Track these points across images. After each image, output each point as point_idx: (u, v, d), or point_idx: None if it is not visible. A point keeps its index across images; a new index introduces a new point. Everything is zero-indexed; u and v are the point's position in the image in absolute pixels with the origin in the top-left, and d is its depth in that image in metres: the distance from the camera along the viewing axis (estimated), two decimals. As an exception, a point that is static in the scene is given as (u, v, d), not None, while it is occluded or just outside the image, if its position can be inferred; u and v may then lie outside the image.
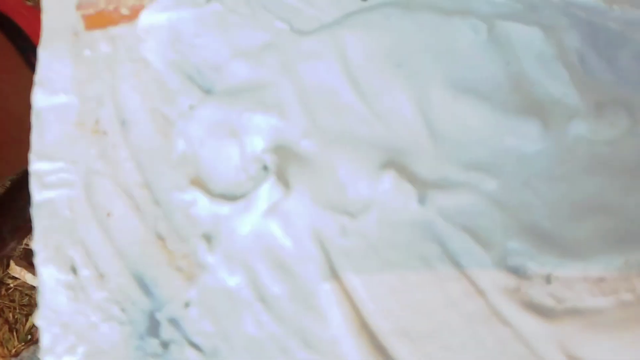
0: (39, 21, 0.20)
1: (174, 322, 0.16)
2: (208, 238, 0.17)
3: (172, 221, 0.17)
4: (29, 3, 0.29)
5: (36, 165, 0.18)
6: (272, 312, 0.16)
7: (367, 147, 0.18)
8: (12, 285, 0.68)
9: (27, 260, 0.68)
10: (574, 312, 0.17)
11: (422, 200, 0.17)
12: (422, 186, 0.17)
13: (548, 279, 0.17)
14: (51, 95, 0.19)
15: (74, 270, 0.16)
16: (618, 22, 0.21)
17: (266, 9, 0.20)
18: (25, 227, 0.40)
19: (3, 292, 0.66)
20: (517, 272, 0.17)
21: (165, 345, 0.16)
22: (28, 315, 0.67)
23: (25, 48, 0.28)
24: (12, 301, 0.68)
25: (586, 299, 0.17)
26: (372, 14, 0.20)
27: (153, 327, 0.16)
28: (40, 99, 0.19)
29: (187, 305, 0.16)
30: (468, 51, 0.19)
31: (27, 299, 0.69)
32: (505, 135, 0.18)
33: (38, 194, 0.17)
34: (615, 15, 0.21)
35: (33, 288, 0.69)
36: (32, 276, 0.68)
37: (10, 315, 0.67)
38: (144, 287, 0.16)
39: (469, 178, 0.18)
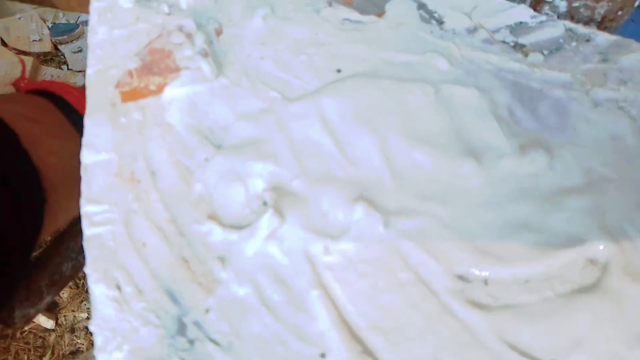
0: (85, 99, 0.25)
1: (197, 324, 0.20)
2: (222, 259, 0.21)
3: (194, 248, 0.22)
4: (77, 85, 0.35)
5: (86, 208, 0.22)
6: (273, 315, 0.20)
7: (343, 184, 0.23)
8: (26, 328, 0.70)
9: (40, 305, 0.70)
10: (507, 307, 0.21)
11: (386, 224, 0.22)
12: (386, 214, 0.22)
13: (486, 282, 0.21)
14: (96, 153, 0.24)
15: (118, 287, 0.21)
16: (538, 81, 0.27)
17: (263, 82, 0.26)
18: (60, 282, 0.44)
19: (18, 335, 0.69)
20: (462, 277, 0.21)
21: (191, 342, 0.20)
22: (42, 356, 0.69)
23: (76, 120, 0.33)
24: (27, 343, 0.70)
25: (516, 296, 0.21)
26: (345, 83, 0.26)
27: (181, 329, 0.20)
28: (87, 156, 0.24)
29: (207, 311, 0.20)
30: (420, 109, 0.25)
31: (41, 341, 0.71)
32: (450, 173, 0.23)
33: (88, 230, 0.22)
34: (536, 77, 0.27)
35: (46, 330, 0.71)
36: (46, 319, 0.71)
37: (25, 357, 0.69)
38: (173, 298, 0.21)
39: (423, 207, 0.23)
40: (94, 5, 0.27)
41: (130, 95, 0.25)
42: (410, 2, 0.28)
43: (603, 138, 0.25)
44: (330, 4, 0.28)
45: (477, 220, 0.22)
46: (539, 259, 0.21)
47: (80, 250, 0.52)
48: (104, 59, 0.25)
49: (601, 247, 0.22)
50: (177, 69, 0.25)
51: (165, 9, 0.27)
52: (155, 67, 0.25)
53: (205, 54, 0.25)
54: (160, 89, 0.25)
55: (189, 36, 0.25)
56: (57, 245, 0.43)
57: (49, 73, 1.13)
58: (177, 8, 0.27)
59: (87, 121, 0.24)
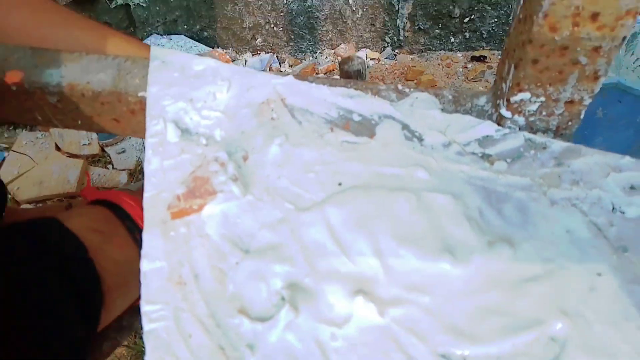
0: (140, 206, 0.32)
1: (232, 401, 0.25)
2: (250, 347, 0.27)
3: (228, 337, 0.27)
4: (132, 194, 0.42)
5: (145, 308, 0.28)
6: (292, 391, 0.25)
7: (345, 280, 0.28)
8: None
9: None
10: (482, 380, 0.25)
11: (381, 313, 0.27)
12: (381, 303, 0.27)
13: (465, 359, 0.26)
14: (151, 262, 0.30)
15: (171, 372, 0.26)
16: (503, 186, 0.32)
17: (280, 196, 0.32)
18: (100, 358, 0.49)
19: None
20: (445, 356, 0.26)
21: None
22: None
23: (130, 226, 0.40)
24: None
25: (489, 371, 0.25)
26: (345, 194, 0.32)
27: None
28: (145, 265, 0.30)
29: (239, 390, 0.25)
30: (405, 214, 0.31)
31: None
32: (432, 267, 0.29)
33: (147, 326, 0.28)
34: (501, 182, 0.32)
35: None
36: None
37: None
38: (213, 380, 0.26)
39: (410, 296, 0.28)
40: (148, 141, 0.35)
41: (178, 214, 0.31)
42: (395, 125, 0.35)
43: (559, 232, 0.30)
44: (332, 130, 0.35)
45: (455, 307, 0.27)
46: (507, 339, 0.26)
47: (119, 330, 0.58)
48: (157, 185, 0.33)
49: (559, 327, 0.26)
50: (213, 192, 0.31)
51: (203, 141, 0.34)
52: (197, 191, 0.32)
53: (235, 179, 0.32)
54: (201, 208, 0.31)
55: (222, 165, 0.32)
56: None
57: (96, 173, 1.25)
58: (212, 140, 0.34)
59: (145, 235, 0.31)
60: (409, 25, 1.36)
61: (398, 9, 1.32)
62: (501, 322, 0.27)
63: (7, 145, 1.37)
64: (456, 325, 0.27)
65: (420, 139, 0.34)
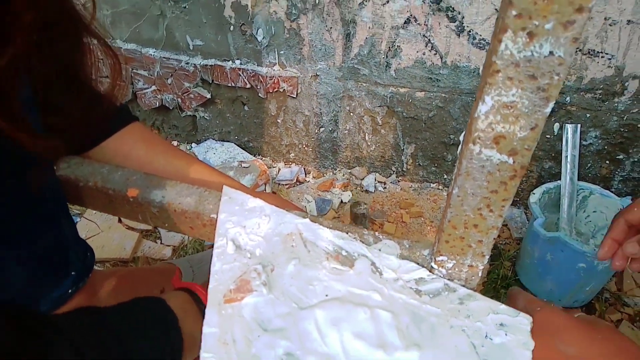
0: (206, 293, 0.49)
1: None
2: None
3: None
4: (202, 287, 0.59)
5: (203, 354, 0.45)
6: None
7: (320, 356, 0.44)
8: None
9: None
10: None
11: (338, 379, 0.43)
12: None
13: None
14: (209, 328, 0.47)
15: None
16: (424, 311, 0.49)
17: (290, 297, 0.49)
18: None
19: None
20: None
21: None
22: None
23: (201, 308, 0.56)
24: None
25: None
26: (329, 303, 0.49)
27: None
28: (205, 329, 0.46)
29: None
30: (362, 321, 0.47)
31: None
32: (372, 354, 0.44)
33: (201, 366, 0.44)
34: (424, 309, 0.49)
35: None
36: None
37: None
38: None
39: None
40: (215, 251, 0.53)
41: (228, 301, 0.49)
42: (367, 261, 0.52)
43: (451, 345, 0.46)
44: (327, 259, 0.53)
45: (381, 382, 0.43)
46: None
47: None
48: (217, 280, 0.50)
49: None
50: (251, 290, 0.49)
51: (248, 255, 0.52)
52: (241, 288, 0.49)
53: (265, 284, 0.49)
54: (242, 299, 0.48)
55: (258, 274, 0.50)
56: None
57: (147, 245, 1.45)
58: (254, 255, 0.52)
59: (207, 311, 0.48)
60: (411, 161, 1.59)
61: (403, 148, 1.56)
62: (407, 395, 0.42)
63: (80, 212, 1.59)
64: (380, 393, 0.42)
65: (381, 273, 0.52)
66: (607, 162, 1.35)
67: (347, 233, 0.57)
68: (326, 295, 0.49)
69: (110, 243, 1.42)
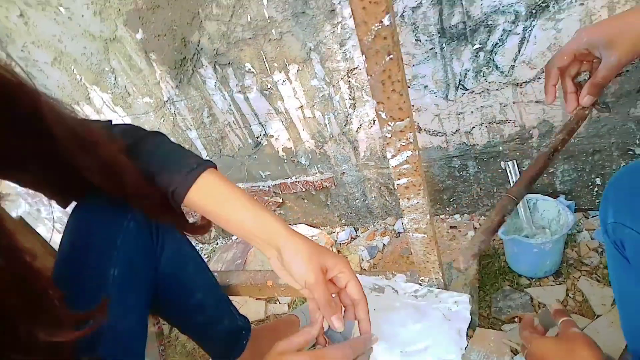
0: None
1: None
2: None
3: None
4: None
5: None
6: None
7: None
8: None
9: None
10: None
11: None
12: (389, 334, 1.11)
13: None
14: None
15: None
16: (420, 306, 1.16)
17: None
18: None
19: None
20: None
21: None
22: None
23: None
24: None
25: None
26: (375, 313, 1.18)
27: None
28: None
29: None
30: (391, 318, 1.15)
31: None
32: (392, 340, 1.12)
33: None
34: (418, 304, 1.16)
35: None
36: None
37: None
38: None
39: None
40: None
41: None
42: (390, 288, 1.21)
43: (438, 318, 1.13)
44: (370, 291, 1.22)
45: (406, 333, 1.11)
46: None
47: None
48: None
49: None
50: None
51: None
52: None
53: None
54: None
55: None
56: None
57: (271, 307, 2.17)
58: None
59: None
60: (420, 206, 2.27)
61: (413, 199, 2.25)
62: None
63: (221, 296, 2.36)
64: (406, 337, 1.11)
65: (397, 292, 1.20)
66: (543, 176, 1.97)
67: (378, 275, 1.27)
68: (373, 309, 1.18)
69: (249, 311, 2.16)
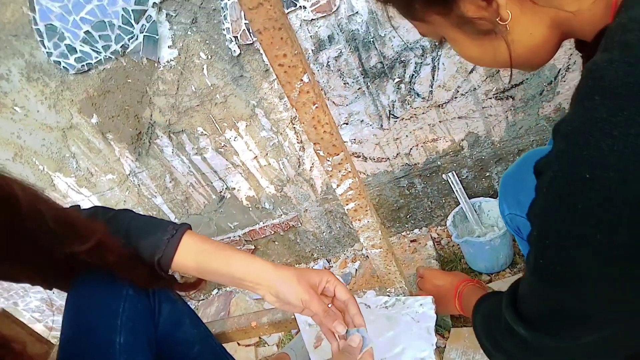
0: None
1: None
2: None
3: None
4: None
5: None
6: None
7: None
8: None
9: None
10: None
11: None
12: None
13: None
14: None
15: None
16: (389, 314, 1.27)
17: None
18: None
19: None
20: None
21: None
22: None
23: None
24: None
25: None
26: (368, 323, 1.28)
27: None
28: None
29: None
30: (371, 326, 1.26)
31: None
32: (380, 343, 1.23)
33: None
34: (388, 313, 1.27)
35: None
36: None
37: None
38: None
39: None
40: (301, 331, 1.34)
41: (315, 346, 1.28)
42: (363, 305, 1.32)
43: (407, 323, 1.25)
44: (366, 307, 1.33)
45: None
46: None
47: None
48: (307, 341, 1.30)
49: None
50: (321, 339, 1.28)
51: (314, 325, 1.33)
52: (318, 341, 1.29)
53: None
54: (319, 345, 1.28)
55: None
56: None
57: (261, 350, 2.21)
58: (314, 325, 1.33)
59: (311, 356, 1.27)
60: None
61: (374, 223, 2.40)
62: (389, 341, 1.21)
63: (211, 352, 2.36)
64: (382, 344, 1.21)
65: (369, 307, 1.31)
66: (482, 180, 2.18)
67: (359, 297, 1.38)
68: None
69: (241, 358, 2.18)
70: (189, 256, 0.83)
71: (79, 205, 0.88)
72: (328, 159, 1.09)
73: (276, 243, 2.51)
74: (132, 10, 1.65)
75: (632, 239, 0.46)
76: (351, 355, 0.87)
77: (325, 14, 1.66)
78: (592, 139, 0.46)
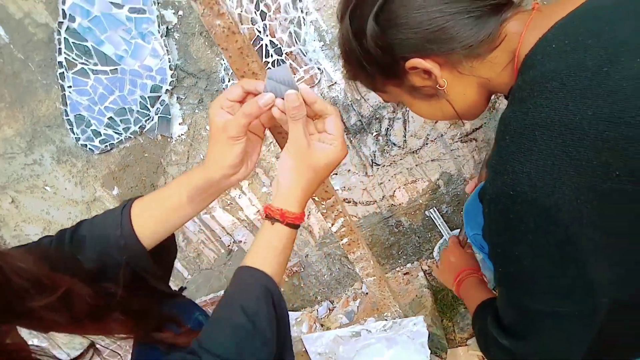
0: None
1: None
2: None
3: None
4: None
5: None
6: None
7: None
8: None
9: None
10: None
11: None
12: None
13: None
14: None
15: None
16: (383, 337, 1.41)
17: None
18: None
19: None
20: None
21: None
22: None
23: None
24: None
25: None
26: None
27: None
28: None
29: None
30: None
31: None
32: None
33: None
34: (386, 335, 1.42)
35: None
36: None
37: None
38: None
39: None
40: None
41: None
42: (364, 331, 1.46)
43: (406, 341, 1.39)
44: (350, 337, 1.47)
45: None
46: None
47: None
48: None
49: None
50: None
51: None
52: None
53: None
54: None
55: None
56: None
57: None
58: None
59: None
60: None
61: (370, 261, 2.55)
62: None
63: None
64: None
65: (369, 331, 1.46)
66: (461, 212, 2.38)
67: (355, 325, 1.52)
68: (357, 351, 1.42)
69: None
70: (146, 213, 0.83)
71: (39, 239, 0.84)
72: (322, 202, 1.29)
73: (282, 290, 2.65)
74: (148, 97, 1.92)
75: (547, 232, 0.62)
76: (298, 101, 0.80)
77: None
78: (509, 166, 0.63)
